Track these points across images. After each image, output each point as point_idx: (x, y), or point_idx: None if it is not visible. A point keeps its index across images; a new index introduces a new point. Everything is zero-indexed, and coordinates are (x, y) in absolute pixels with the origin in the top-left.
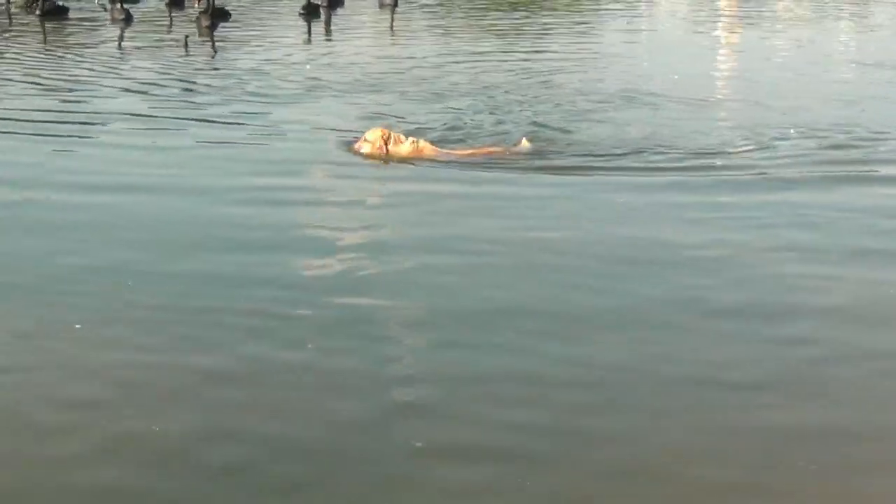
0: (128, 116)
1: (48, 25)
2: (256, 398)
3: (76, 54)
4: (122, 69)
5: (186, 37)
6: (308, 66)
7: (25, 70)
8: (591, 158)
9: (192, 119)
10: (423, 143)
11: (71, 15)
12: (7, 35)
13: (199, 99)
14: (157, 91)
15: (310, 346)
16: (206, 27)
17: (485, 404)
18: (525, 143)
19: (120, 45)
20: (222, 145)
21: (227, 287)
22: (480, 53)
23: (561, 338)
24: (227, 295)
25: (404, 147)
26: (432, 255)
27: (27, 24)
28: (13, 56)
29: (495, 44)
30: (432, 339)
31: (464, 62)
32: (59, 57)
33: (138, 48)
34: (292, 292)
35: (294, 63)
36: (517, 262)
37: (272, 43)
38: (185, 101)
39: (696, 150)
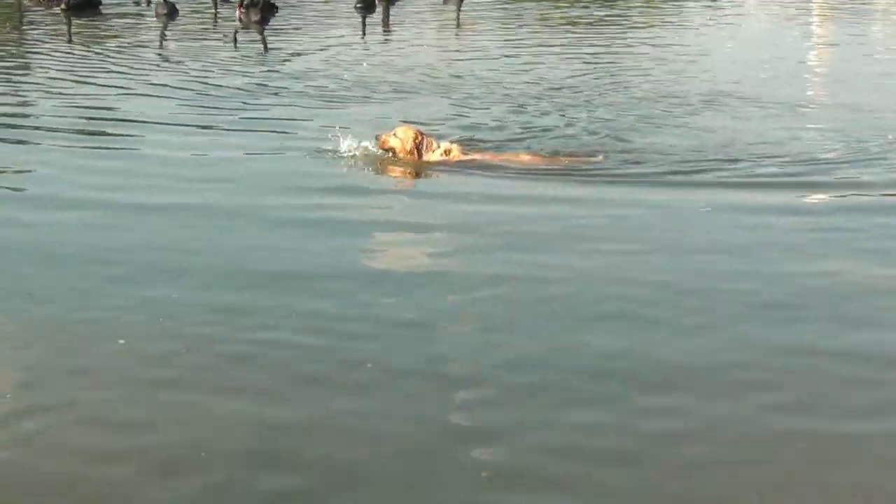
0: (169, 123)
1: (76, 21)
2: (311, 421)
3: (109, 53)
4: (162, 69)
5: (235, 32)
6: (365, 65)
7: (51, 72)
8: (667, 168)
9: (239, 125)
10: (454, 150)
11: (100, 10)
12: (17, 32)
13: (246, 102)
14: (201, 93)
15: (369, 365)
16: (256, 22)
17: (557, 432)
18: (563, 159)
19: (161, 42)
20: (271, 156)
21: (276, 309)
22: (550, 50)
23: (648, 386)
24: (277, 316)
25: (435, 154)
26: (501, 281)
27: (39, 20)
28: (36, 57)
29: (567, 39)
30: (501, 363)
31: (532, 60)
32: (89, 57)
33: (181, 45)
34: (346, 313)
35: (348, 62)
36: (594, 295)
37: (325, 40)
38: (231, 105)
39: (788, 159)
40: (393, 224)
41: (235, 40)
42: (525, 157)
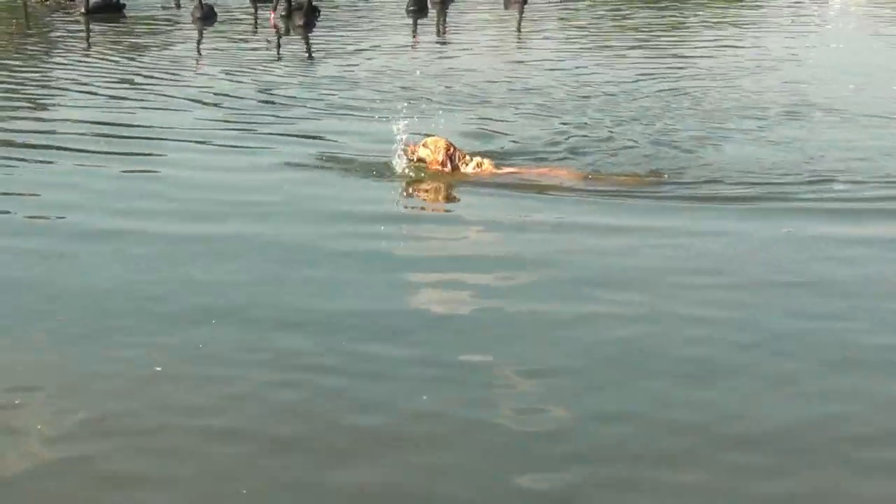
0: (201, 140)
1: (98, 27)
2: (377, 483)
3: (135, 62)
4: (195, 79)
5: (279, 38)
6: (417, 73)
7: (68, 84)
8: (746, 190)
9: (279, 141)
10: (486, 164)
11: (124, 13)
12: (27, 38)
13: (287, 114)
14: (237, 106)
15: (424, 397)
16: (300, 26)
17: (640, 493)
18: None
19: (198, 49)
20: (311, 173)
21: (327, 352)
22: (617, 56)
23: (741, 443)
24: (328, 359)
25: (468, 168)
26: (574, 322)
27: (57, 25)
28: (53, 67)
29: (636, 45)
30: (577, 416)
31: (597, 67)
32: (111, 67)
33: (217, 52)
34: (406, 357)
35: (399, 70)
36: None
37: (374, 46)
38: (271, 118)
39: (880, 179)
40: (454, 257)
41: (279, 47)
42: (563, 173)
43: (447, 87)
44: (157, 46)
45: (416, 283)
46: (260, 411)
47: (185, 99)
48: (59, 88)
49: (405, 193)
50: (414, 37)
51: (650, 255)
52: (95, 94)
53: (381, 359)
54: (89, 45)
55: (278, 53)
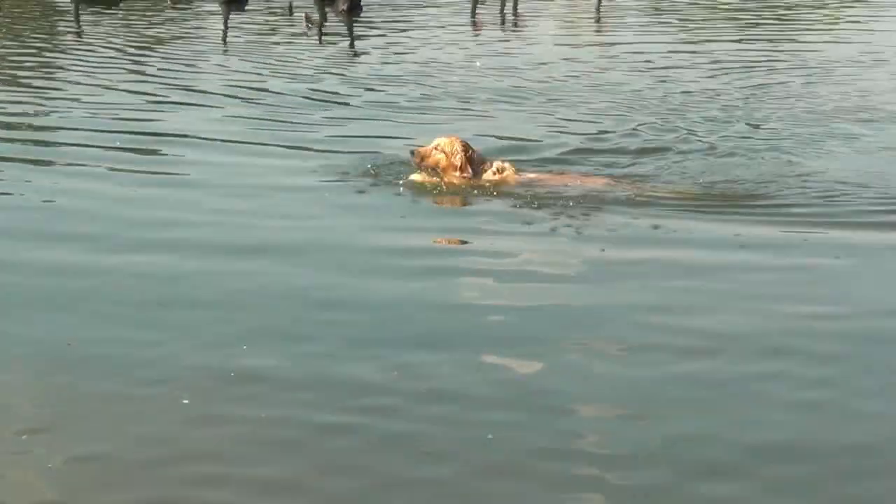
0: (230, 140)
1: (98, 12)
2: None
3: (150, 53)
4: (221, 73)
5: (321, 24)
6: (478, 64)
7: (75, 76)
8: (855, 204)
9: (320, 143)
10: (508, 169)
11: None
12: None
13: (328, 114)
14: (272, 103)
15: (490, 436)
16: (344, 11)
17: None
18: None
19: (224, 38)
20: (358, 182)
21: (389, 377)
22: (710, 46)
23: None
24: (388, 383)
25: (487, 173)
26: (672, 353)
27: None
28: (53, 57)
29: (725, 36)
30: (669, 444)
31: (683, 62)
32: (120, 57)
33: (246, 42)
34: (479, 383)
35: (456, 62)
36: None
37: (429, 33)
38: (311, 118)
39: None
40: (528, 273)
41: (321, 34)
42: (595, 180)
43: (511, 80)
44: (176, 34)
45: (488, 298)
46: (309, 460)
47: (207, 94)
48: (62, 82)
49: (450, 201)
50: (474, 24)
51: (752, 277)
52: (103, 87)
53: (448, 381)
54: (79, 27)
55: (320, 40)
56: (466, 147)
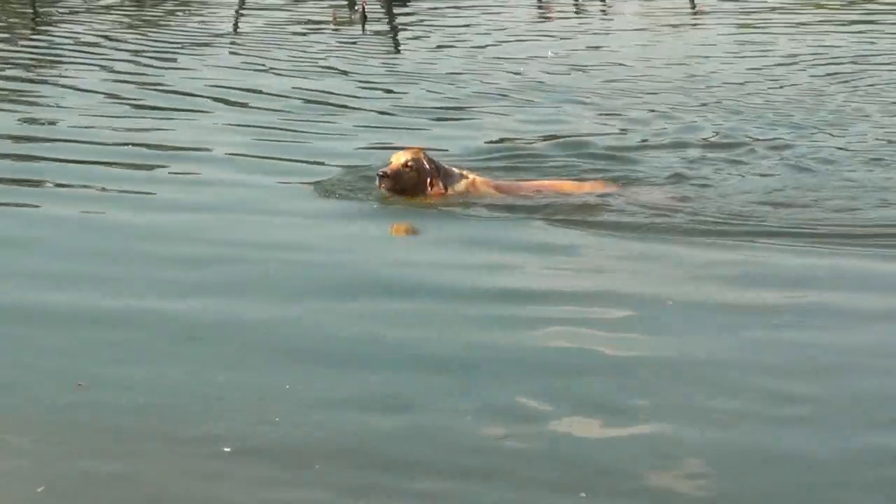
0: (247, 154)
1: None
2: None
3: (150, 45)
4: (236, 69)
5: (363, 7)
6: (551, 54)
7: (70, 78)
8: None
9: (356, 155)
10: (478, 179)
11: None
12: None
13: (349, 116)
14: (297, 107)
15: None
16: None
17: None
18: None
19: (236, 25)
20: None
21: (455, 409)
22: (819, 39)
23: None
24: (456, 417)
25: (460, 185)
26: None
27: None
28: (46, 55)
29: (835, 32)
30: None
31: (781, 59)
32: (116, 51)
33: (264, 31)
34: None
35: (522, 54)
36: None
37: (490, 19)
38: (348, 123)
39: None
40: (609, 295)
41: (364, 19)
42: (568, 185)
43: (584, 76)
44: (181, 20)
45: (547, 324)
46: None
47: (215, 97)
48: (56, 85)
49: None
50: (542, 6)
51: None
52: (96, 92)
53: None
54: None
55: (363, 30)
56: (431, 159)
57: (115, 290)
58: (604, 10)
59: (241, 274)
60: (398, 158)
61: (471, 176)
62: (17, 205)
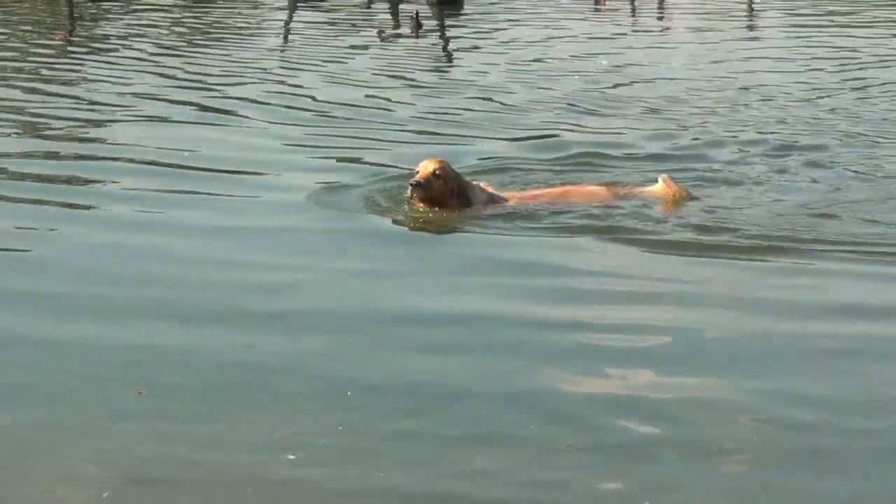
0: (296, 168)
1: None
2: None
3: (203, 50)
4: (283, 78)
5: (416, 17)
6: (604, 62)
7: (99, 82)
8: None
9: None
10: (495, 191)
11: None
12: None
13: (421, 129)
14: (342, 118)
15: None
16: (434, 4)
17: None
18: (663, 185)
19: (286, 35)
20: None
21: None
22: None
23: None
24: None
25: (481, 196)
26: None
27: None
28: (78, 60)
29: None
30: None
31: (846, 70)
32: (146, 59)
33: (314, 40)
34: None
35: (574, 59)
36: None
37: (544, 25)
38: (398, 134)
39: None
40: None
41: (418, 26)
42: (597, 190)
43: (643, 86)
44: (233, 32)
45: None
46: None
47: (258, 104)
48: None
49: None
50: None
51: None
52: (131, 95)
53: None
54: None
55: (416, 35)
56: (453, 169)
57: (176, 314)
58: (660, 17)
59: (308, 303)
60: (426, 167)
61: (489, 188)
62: (71, 219)
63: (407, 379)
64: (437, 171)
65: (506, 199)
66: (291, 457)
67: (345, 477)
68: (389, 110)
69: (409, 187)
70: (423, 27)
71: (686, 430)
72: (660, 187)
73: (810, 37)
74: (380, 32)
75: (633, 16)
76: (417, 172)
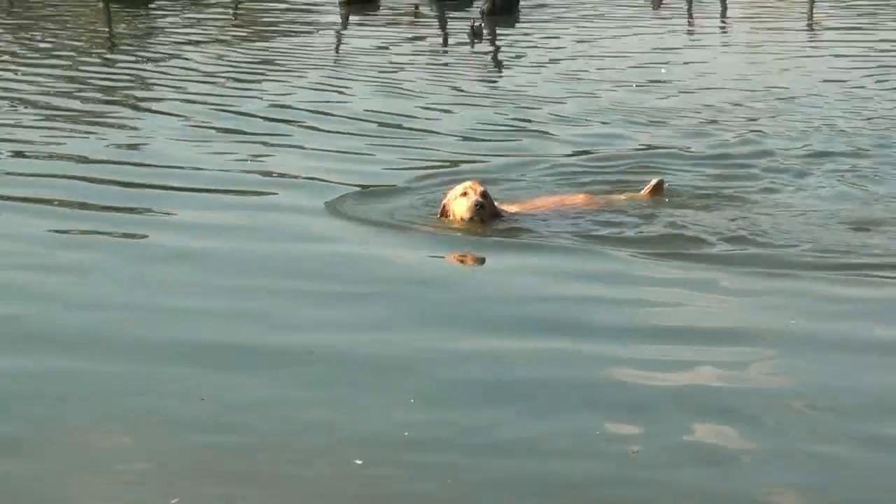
0: (335, 181)
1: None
2: None
3: (242, 63)
4: (334, 89)
5: (474, 22)
6: (663, 71)
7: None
8: None
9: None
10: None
11: None
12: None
13: (426, 141)
14: (393, 131)
15: None
16: (483, 12)
17: None
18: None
19: (338, 47)
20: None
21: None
22: None
23: None
24: None
25: (504, 210)
26: None
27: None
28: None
29: None
30: None
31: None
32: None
33: (370, 50)
34: None
35: (632, 67)
36: None
37: (599, 32)
38: (459, 144)
39: None
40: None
41: (474, 35)
42: (573, 198)
43: (703, 93)
44: (281, 39)
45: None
46: None
47: (312, 113)
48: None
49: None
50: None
51: None
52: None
53: None
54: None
55: (472, 46)
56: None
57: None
58: (723, 26)
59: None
60: (476, 188)
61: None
62: (123, 234)
63: None
64: (485, 192)
65: (506, 212)
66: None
67: None
68: (437, 120)
69: (476, 208)
70: (483, 36)
71: None
72: (642, 191)
73: (869, 43)
74: (473, 32)
75: (690, 24)
76: (465, 194)
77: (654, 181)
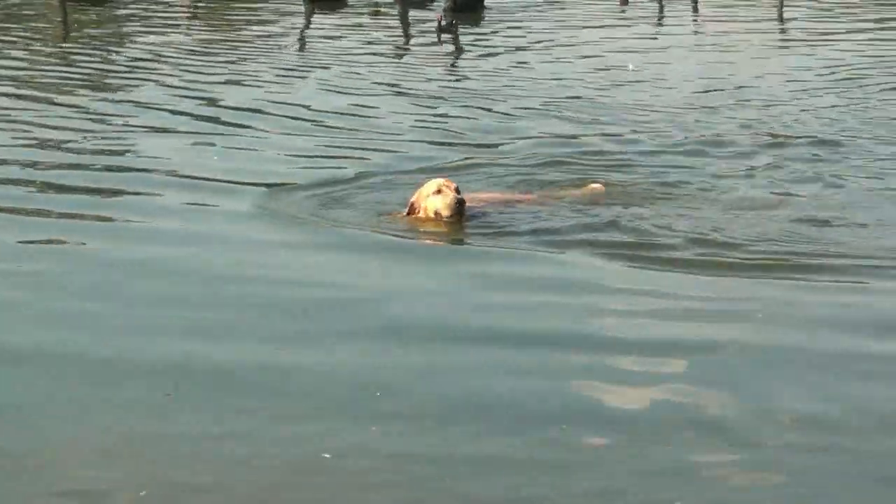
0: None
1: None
2: None
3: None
4: (296, 87)
5: (441, 19)
6: (631, 67)
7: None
8: None
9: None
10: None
11: None
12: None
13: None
14: (359, 130)
15: None
16: (447, 9)
17: None
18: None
19: (301, 42)
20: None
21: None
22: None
23: None
24: None
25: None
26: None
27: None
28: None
29: None
30: None
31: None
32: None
33: (331, 44)
34: None
35: (598, 64)
36: None
37: (566, 29)
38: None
39: None
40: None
41: (440, 31)
42: (527, 196)
43: (672, 91)
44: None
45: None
46: None
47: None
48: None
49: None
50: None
51: None
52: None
53: None
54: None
55: (439, 40)
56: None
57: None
58: (693, 21)
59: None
60: (450, 185)
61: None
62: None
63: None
64: (458, 188)
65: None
66: None
67: None
68: (381, 118)
69: (457, 203)
70: (453, 33)
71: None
72: (584, 190)
73: (838, 46)
74: (441, 22)
75: (659, 21)
76: (440, 192)
77: (594, 186)
